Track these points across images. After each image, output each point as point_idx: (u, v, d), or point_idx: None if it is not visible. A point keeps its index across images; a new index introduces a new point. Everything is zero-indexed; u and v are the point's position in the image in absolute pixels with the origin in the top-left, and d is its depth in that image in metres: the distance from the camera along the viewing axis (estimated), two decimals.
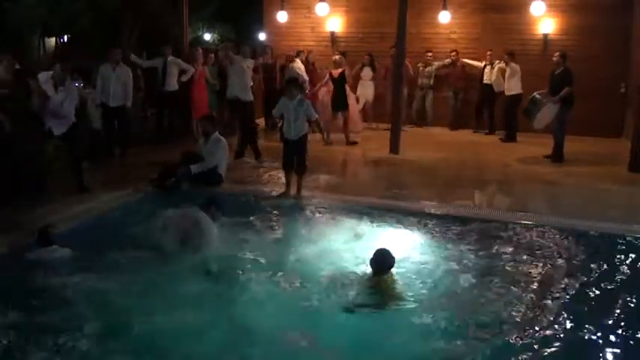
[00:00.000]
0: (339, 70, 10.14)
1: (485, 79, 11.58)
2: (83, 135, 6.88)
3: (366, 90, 11.75)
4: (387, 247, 4.41)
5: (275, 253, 4.97)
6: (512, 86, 10.91)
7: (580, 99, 9.10)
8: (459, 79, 12.08)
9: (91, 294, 4.06)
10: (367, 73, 11.70)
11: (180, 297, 4.11)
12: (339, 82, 10.15)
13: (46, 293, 4.10)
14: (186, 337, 3.60)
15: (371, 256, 4.33)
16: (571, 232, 5.46)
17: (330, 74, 10.26)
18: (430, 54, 12.03)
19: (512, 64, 10.83)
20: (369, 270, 4.36)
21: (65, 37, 19.57)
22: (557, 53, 9.16)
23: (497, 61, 11.41)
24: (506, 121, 11.14)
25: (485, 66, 11.61)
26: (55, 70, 6.47)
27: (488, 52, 11.51)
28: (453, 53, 11.98)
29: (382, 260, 4.28)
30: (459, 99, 12.18)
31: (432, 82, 12.07)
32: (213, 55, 10.98)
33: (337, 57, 10.48)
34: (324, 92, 10.66)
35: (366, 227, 5.59)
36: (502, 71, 11.28)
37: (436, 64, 12.07)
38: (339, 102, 10.19)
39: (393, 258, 4.30)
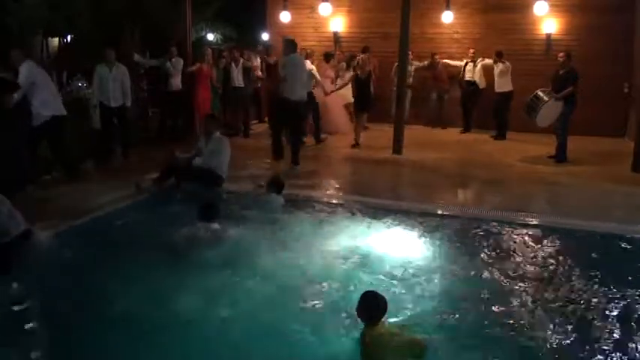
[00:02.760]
0: (367, 69, 10.04)
1: (468, 77, 11.67)
2: (62, 127, 6.83)
3: (346, 90, 11.13)
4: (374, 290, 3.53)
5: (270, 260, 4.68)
6: (503, 84, 10.97)
7: (583, 99, 9.10)
8: (441, 81, 12.13)
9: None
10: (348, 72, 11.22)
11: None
12: (366, 83, 10.01)
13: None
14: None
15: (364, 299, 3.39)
16: (578, 233, 5.45)
17: (357, 75, 9.98)
18: (410, 53, 11.95)
19: (503, 62, 10.89)
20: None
21: (68, 38, 19.56)
22: (561, 53, 9.13)
23: (481, 59, 11.51)
24: (498, 119, 11.18)
25: (466, 63, 11.70)
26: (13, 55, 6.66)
27: (471, 50, 11.63)
28: (437, 55, 12.03)
29: (373, 306, 3.33)
30: (445, 99, 12.24)
31: (410, 81, 11.96)
32: (224, 59, 10.89)
33: (363, 56, 10.20)
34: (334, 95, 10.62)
35: (374, 229, 5.54)
36: (486, 68, 11.36)
37: (415, 63, 12.02)
38: (365, 103, 10.04)
39: (384, 300, 3.36)
